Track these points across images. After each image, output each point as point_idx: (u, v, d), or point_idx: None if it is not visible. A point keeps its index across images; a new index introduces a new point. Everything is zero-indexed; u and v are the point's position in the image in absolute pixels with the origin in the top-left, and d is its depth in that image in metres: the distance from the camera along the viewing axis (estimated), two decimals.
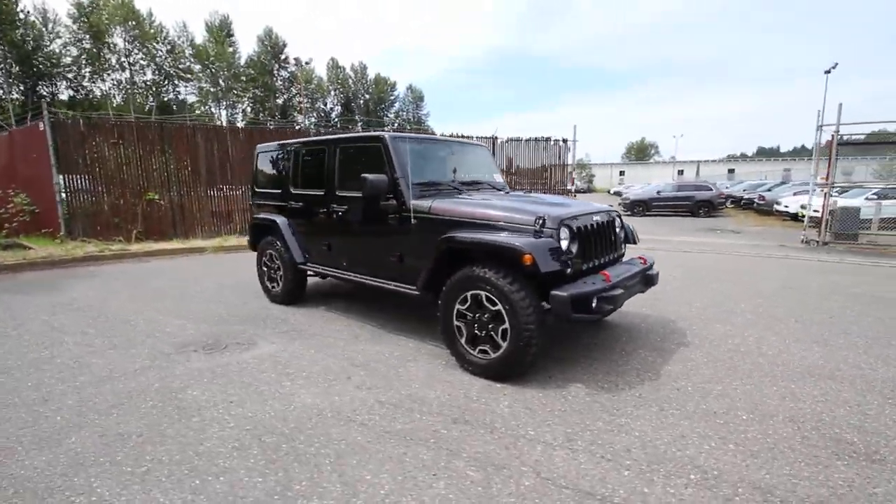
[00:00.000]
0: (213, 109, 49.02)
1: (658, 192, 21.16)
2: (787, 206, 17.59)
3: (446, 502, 1.88)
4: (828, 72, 29.08)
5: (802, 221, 16.26)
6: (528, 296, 2.87)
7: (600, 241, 3.43)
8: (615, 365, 3.30)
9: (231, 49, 47.80)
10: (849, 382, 2.97)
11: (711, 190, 21.07)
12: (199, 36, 47.41)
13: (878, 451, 2.22)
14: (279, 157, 5.01)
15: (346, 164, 4.19)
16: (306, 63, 34.73)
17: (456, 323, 3.24)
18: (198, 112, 45.88)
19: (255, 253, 5.45)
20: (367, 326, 4.28)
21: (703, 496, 1.91)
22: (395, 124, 65.01)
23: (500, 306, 2.95)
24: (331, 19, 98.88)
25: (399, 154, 3.75)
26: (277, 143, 5.13)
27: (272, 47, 52.20)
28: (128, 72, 43.40)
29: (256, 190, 5.38)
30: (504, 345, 2.97)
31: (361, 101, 64.86)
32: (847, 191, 15.17)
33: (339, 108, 63.31)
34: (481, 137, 12.47)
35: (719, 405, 2.69)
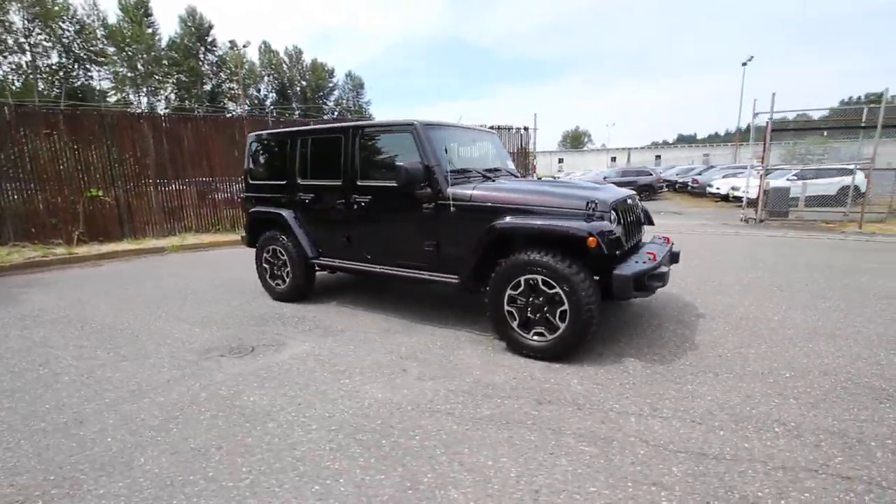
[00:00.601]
0: (131, 96, 44.51)
1: (605, 178, 22.30)
2: (718, 188, 19.31)
3: (578, 477, 1.95)
4: (744, 64, 32.05)
5: (732, 202, 18.02)
6: (587, 277, 2.98)
7: (633, 222, 3.62)
8: (651, 339, 3.52)
9: (150, 30, 43.50)
10: (852, 339, 3.40)
11: (652, 175, 22.62)
12: (113, 15, 42.66)
13: None
14: (281, 146, 4.72)
15: (368, 152, 4.05)
16: (244, 46, 32.29)
17: (507, 308, 3.28)
18: (113, 99, 41.45)
19: (253, 249, 5.15)
20: (391, 319, 4.20)
21: (795, 445, 2.13)
22: (336, 112, 62.95)
23: (557, 289, 3.03)
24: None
25: (431, 141, 3.69)
26: (278, 131, 4.83)
27: (196, 29, 48.22)
28: (28, 54, 38.11)
29: (251, 182, 5.04)
30: (562, 326, 3.06)
31: (298, 89, 61.96)
32: (770, 172, 16.90)
33: (274, 94, 60.11)
34: None
35: (761, 367, 2.98)
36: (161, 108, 44.05)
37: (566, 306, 3.02)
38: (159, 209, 9.96)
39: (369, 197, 4.02)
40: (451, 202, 3.54)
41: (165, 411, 2.63)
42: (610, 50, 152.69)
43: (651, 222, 4.19)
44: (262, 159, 5.00)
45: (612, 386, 2.77)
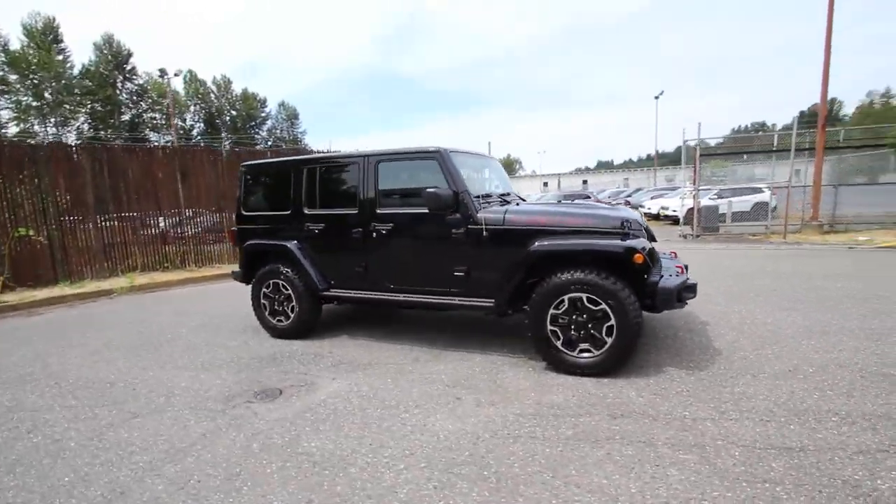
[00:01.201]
0: (35, 126, 40.15)
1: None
2: (649, 208, 21.07)
3: (695, 485, 2.00)
4: (657, 97, 35.66)
5: (662, 220, 19.73)
6: (632, 293, 3.12)
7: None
8: (676, 348, 3.73)
9: (60, 57, 39.91)
10: (842, 335, 3.83)
11: (590, 198, 24.17)
12: (16, 40, 38.57)
13: None
14: (283, 176, 4.51)
15: (389, 180, 3.99)
16: (175, 74, 30.31)
17: (550, 328, 3.33)
18: (14, 130, 37.11)
19: (238, 285, 4.84)
20: (415, 348, 4.09)
21: (856, 430, 2.35)
22: (270, 143, 61.13)
23: (603, 305, 3.14)
24: (183, 28, 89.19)
25: (457, 168, 3.74)
26: (279, 160, 4.63)
27: (114, 56, 45.05)
28: None
29: (246, 213, 4.75)
30: (609, 341, 3.16)
31: (228, 118, 59.61)
32: (698, 193, 18.78)
33: (202, 124, 57.32)
34: None
35: (785, 365, 3.26)
36: (72, 139, 40.15)
37: (613, 321, 3.13)
38: (99, 248, 8.99)
39: (391, 225, 3.95)
40: (484, 227, 3.58)
41: (221, 469, 2.34)
42: (533, 85, 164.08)
43: (654, 239, 4.49)
44: (259, 190, 4.75)
45: (670, 395, 2.90)
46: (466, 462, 2.29)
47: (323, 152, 11.27)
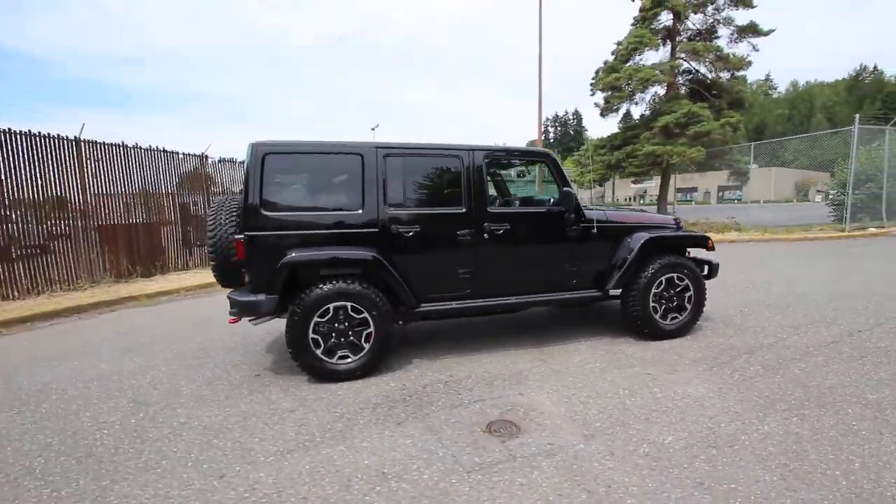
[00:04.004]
0: None
1: None
2: None
3: (869, 369, 3.23)
4: (373, 129, 39.70)
5: None
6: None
7: None
8: (711, 323, 4.91)
9: None
10: (732, 287, 6.08)
11: None
12: None
13: None
14: (345, 164, 3.37)
15: (500, 178, 3.74)
16: None
17: (652, 304, 4.06)
18: None
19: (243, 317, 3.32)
20: (515, 352, 3.92)
21: (833, 328, 4.14)
22: None
23: (687, 280, 4.14)
24: None
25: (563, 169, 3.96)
26: (334, 142, 3.38)
27: None
28: None
29: (269, 214, 3.22)
30: (689, 307, 4.17)
31: None
32: None
33: None
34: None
35: (737, 302, 5.09)
36: None
37: (692, 292, 4.16)
38: None
39: (507, 224, 3.71)
40: (595, 224, 3.97)
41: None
42: (209, 93, 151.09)
43: None
44: (297, 182, 3.34)
45: (740, 334, 4.13)
46: (774, 403, 2.79)
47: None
